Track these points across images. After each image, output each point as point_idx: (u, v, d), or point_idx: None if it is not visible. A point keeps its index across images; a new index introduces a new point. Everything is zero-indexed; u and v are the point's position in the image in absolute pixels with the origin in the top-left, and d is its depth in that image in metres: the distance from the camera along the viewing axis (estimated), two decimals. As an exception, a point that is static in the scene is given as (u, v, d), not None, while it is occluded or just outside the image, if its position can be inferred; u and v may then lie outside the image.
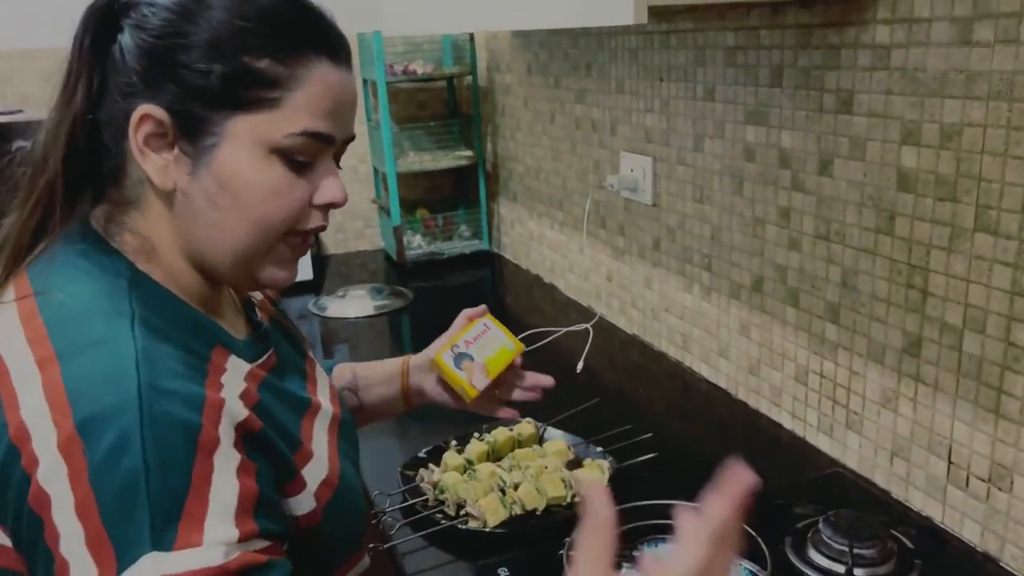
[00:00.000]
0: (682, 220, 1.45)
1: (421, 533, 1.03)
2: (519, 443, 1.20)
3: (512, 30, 1.99)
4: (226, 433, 0.59)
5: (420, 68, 2.20)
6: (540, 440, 1.22)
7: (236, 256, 0.67)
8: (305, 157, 0.66)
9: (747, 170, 1.26)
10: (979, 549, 0.96)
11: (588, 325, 1.71)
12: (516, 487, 1.07)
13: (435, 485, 1.09)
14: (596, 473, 1.10)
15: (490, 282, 2.23)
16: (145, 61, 0.64)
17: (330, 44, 0.67)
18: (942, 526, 1.00)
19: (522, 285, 2.11)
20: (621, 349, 1.64)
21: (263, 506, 0.60)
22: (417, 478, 1.12)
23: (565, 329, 1.71)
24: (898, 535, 0.95)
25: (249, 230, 0.66)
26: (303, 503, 0.68)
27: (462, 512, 1.05)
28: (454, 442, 1.21)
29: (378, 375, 1.03)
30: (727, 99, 1.27)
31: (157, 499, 0.54)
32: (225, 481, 0.58)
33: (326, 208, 0.70)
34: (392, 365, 1.03)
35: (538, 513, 1.05)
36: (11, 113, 1.88)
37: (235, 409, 0.62)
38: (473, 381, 0.94)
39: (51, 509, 0.54)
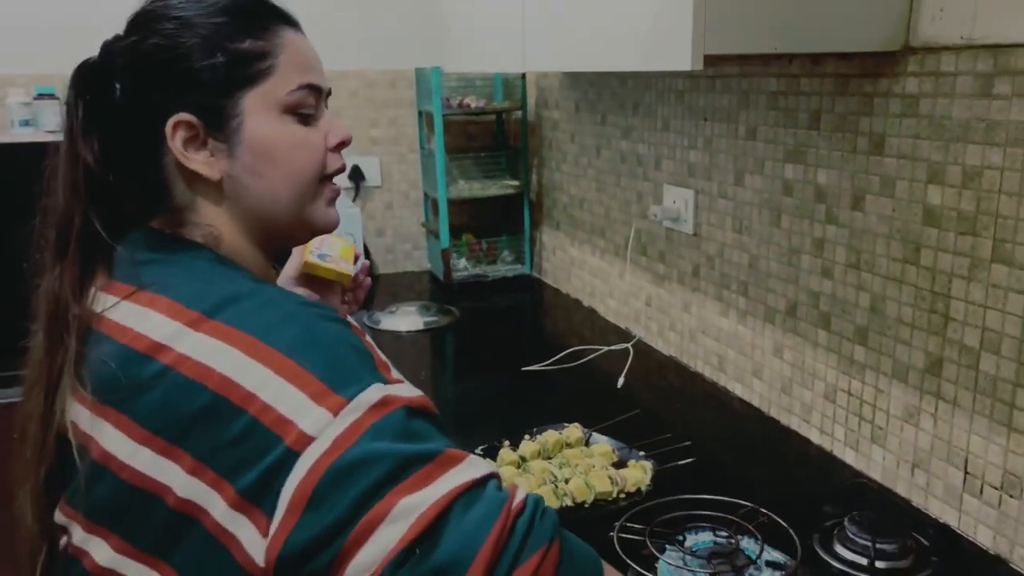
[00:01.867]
0: (721, 249, 1.56)
1: (481, 517, 1.13)
2: (568, 445, 1.31)
3: (569, 71, 2.13)
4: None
5: (473, 103, 2.35)
6: (586, 443, 1.33)
7: (292, 210, 0.81)
8: (307, 109, 0.80)
9: (785, 204, 1.37)
10: (991, 552, 1.05)
11: (629, 345, 1.83)
12: (567, 481, 1.18)
13: (493, 477, 1.20)
14: (639, 473, 1.20)
15: (531, 304, 2.35)
16: (156, 83, 0.75)
17: (285, 15, 0.81)
18: (958, 532, 1.09)
19: (562, 308, 2.22)
20: (658, 369, 1.75)
21: None
22: (476, 470, 1.23)
23: (607, 348, 1.83)
24: (916, 535, 1.05)
25: (293, 185, 0.80)
26: None
27: (518, 501, 1.16)
28: (507, 442, 1.32)
29: None
30: (768, 139, 1.40)
31: (358, 356, 0.68)
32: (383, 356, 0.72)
33: (339, 148, 0.84)
34: None
35: (586, 506, 1.16)
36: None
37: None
38: (343, 267, 1.11)
39: (260, 397, 0.63)
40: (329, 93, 0.85)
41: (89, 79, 0.78)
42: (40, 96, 2.06)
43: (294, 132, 0.79)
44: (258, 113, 0.77)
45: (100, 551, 0.70)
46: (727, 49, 1.08)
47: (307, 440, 0.63)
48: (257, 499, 0.64)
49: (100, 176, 0.77)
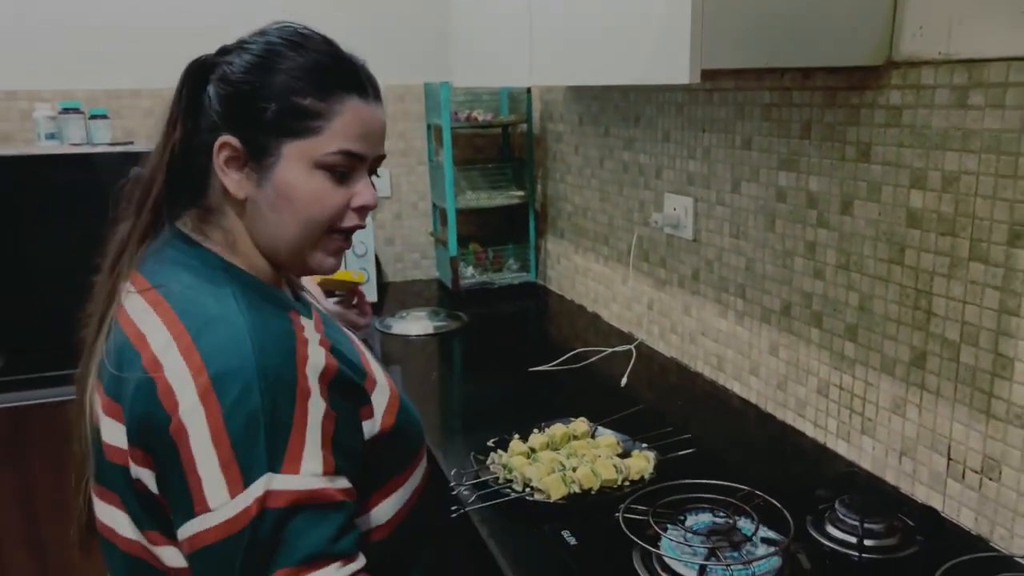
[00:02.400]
0: (719, 253, 1.64)
1: (493, 502, 1.21)
2: (574, 437, 1.38)
3: (573, 85, 2.22)
4: (314, 384, 0.80)
5: (480, 116, 2.43)
6: (592, 436, 1.40)
7: (291, 247, 0.89)
8: (343, 169, 0.88)
9: (779, 209, 1.45)
10: (973, 532, 1.12)
11: (631, 346, 1.90)
12: (574, 470, 1.25)
13: (504, 467, 1.27)
14: (643, 462, 1.27)
15: (536, 310, 2.42)
16: (225, 104, 0.86)
17: (360, 85, 0.89)
18: (943, 515, 1.16)
19: (567, 314, 2.30)
20: (660, 371, 1.82)
21: (339, 447, 0.81)
22: (488, 460, 1.30)
23: (610, 350, 1.90)
24: (903, 516, 1.12)
25: (299, 227, 0.88)
26: (375, 424, 0.89)
27: (527, 488, 1.23)
28: (516, 435, 1.39)
29: None
30: (762, 148, 1.48)
31: (272, 434, 0.75)
32: (315, 424, 0.79)
33: (361, 210, 0.91)
34: None
35: (593, 492, 1.23)
36: (125, 144, 2.13)
37: (317, 361, 0.82)
38: (355, 274, 1.28)
39: (189, 439, 0.74)
40: (380, 159, 0.93)
41: (196, 74, 0.88)
42: (65, 111, 2.15)
43: (319, 186, 0.87)
44: (293, 160, 0.86)
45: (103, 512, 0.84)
46: (723, 64, 1.16)
47: (204, 509, 0.74)
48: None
49: (177, 155, 0.88)
